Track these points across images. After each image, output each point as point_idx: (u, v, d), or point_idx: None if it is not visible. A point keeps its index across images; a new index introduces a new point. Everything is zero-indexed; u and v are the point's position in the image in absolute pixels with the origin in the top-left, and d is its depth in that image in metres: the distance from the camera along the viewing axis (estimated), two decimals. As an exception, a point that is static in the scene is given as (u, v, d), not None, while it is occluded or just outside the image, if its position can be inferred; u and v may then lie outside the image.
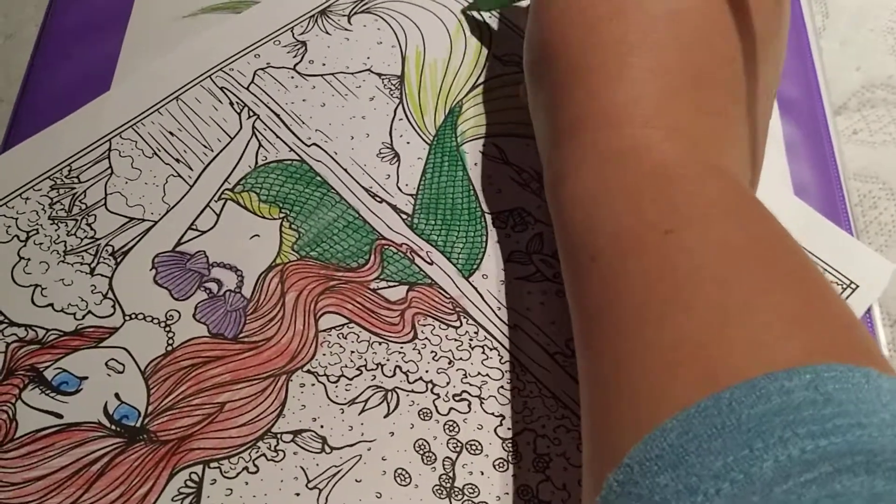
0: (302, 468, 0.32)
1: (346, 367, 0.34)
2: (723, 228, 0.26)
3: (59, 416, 0.32)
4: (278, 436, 0.32)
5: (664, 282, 0.25)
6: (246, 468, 0.32)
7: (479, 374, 0.34)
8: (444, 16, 0.43)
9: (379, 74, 0.41)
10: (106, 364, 0.33)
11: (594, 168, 0.29)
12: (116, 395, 0.33)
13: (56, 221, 0.36)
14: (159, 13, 0.44)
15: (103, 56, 0.42)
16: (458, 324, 0.35)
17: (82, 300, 0.35)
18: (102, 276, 0.35)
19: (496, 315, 0.35)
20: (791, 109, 0.41)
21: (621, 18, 0.30)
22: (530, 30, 0.33)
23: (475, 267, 0.36)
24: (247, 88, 0.40)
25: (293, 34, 0.42)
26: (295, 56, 0.41)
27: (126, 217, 0.36)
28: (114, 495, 0.31)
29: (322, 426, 0.33)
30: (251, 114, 0.39)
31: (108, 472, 0.31)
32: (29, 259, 0.35)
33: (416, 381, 0.34)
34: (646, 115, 0.29)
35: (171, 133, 0.39)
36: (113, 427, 0.32)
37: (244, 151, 0.38)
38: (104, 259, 0.35)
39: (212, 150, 0.38)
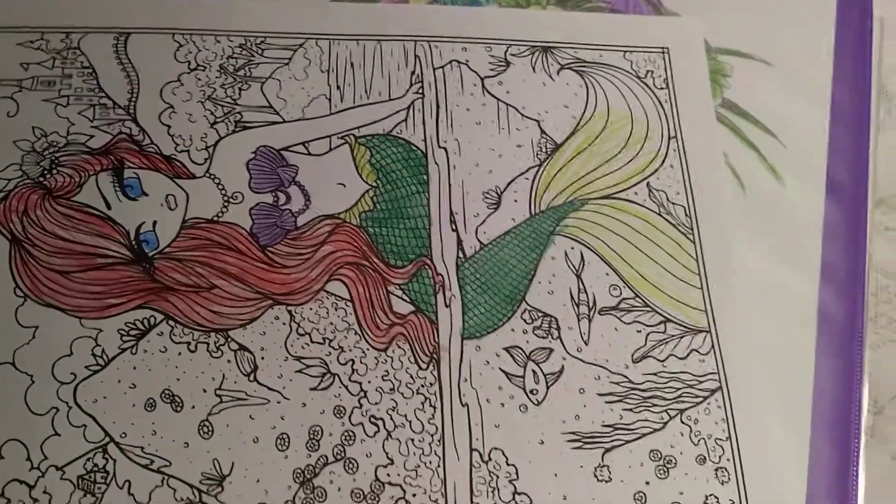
0: (223, 374, 0.36)
1: (317, 329, 0.37)
2: None
3: (109, 208, 0.38)
4: (228, 340, 0.36)
5: None
6: (188, 343, 0.36)
7: (405, 416, 0.36)
8: (651, 114, 0.43)
9: (542, 132, 0.42)
10: (166, 196, 0.38)
11: None
12: (154, 223, 0.38)
13: (223, 71, 0.41)
14: None
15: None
16: (425, 367, 0.37)
17: (191, 139, 0.40)
18: (217, 133, 0.40)
19: (458, 384, 0.36)
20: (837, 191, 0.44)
21: None
22: None
23: (476, 335, 0.37)
24: (434, 69, 0.43)
25: (507, 51, 0.44)
26: (493, 70, 0.43)
27: (267, 104, 0.41)
28: (94, 288, 0.36)
29: (263, 358, 0.36)
30: (419, 92, 0.42)
31: (103, 270, 0.36)
32: (182, 84, 0.41)
33: (356, 381, 0.36)
34: None
35: (352, 64, 0.42)
36: (132, 242, 0.37)
37: (388, 117, 0.41)
38: (228, 121, 0.40)
39: (367, 98, 0.42)
